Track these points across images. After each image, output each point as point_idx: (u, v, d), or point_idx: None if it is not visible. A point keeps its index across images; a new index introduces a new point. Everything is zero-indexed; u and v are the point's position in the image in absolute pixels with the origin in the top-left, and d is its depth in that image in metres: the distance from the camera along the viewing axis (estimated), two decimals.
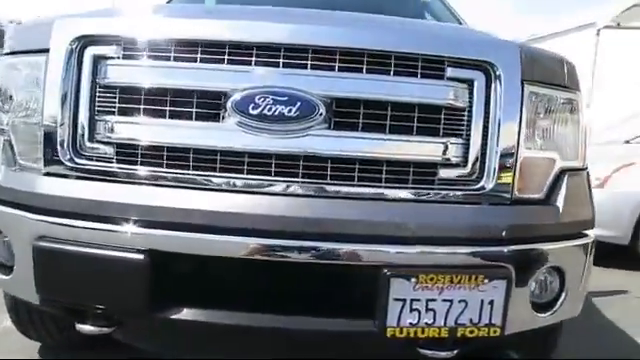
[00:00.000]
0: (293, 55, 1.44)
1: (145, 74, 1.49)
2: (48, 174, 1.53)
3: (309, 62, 1.44)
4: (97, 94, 1.51)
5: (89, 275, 1.43)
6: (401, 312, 1.37)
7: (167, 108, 1.47)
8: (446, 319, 1.39)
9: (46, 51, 1.56)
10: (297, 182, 1.43)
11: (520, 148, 1.51)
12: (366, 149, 1.44)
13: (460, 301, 1.39)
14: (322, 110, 1.41)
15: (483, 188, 1.49)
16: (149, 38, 1.49)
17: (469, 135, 1.49)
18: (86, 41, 1.53)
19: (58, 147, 1.51)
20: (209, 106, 1.46)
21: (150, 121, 1.48)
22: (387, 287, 1.36)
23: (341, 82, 1.44)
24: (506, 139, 1.49)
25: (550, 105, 1.59)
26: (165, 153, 1.47)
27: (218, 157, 1.45)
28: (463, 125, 1.49)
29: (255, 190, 1.42)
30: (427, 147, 1.47)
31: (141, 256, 1.37)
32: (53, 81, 1.53)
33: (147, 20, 1.59)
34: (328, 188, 1.43)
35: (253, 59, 1.44)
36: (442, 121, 1.48)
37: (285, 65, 1.44)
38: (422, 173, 1.47)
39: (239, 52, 1.46)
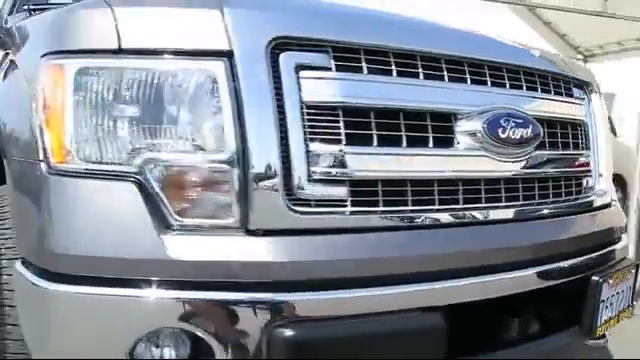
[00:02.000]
0: (514, 76, 1.38)
1: (371, 91, 1.19)
2: (254, 232, 1.07)
3: (524, 83, 1.41)
4: (306, 117, 1.12)
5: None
6: (604, 312, 1.51)
7: (407, 133, 1.21)
8: (617, 309, 1.60)
9: (224, 55, 1.07)
10: (531, 205, 1.39)
11: (604, 156, 1.80)
12: (563, 166, 1.51)
13: (621, 292, 1.61)
14: (543, 131, 1.41)
15: (601, 193, 1.73)
16: (369, 47, 1.19)
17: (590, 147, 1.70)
18: (284, 44, 1.12)
19: (265, 193, 1.07)
20: (444, 130, 1.26)
21: (383, 150, 1.19)
22: (598, 291, 1.48)
23: (545, 104, 1.45)
24: (603, 150, 1.76)
25: None
26: (409, 188, 1.21)
27: (460, 187, 1.28)
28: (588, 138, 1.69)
29: (513, 218, 1.33)
30: (585, 160, 1.62)
31: (437, 314, 1.12)
32: (246, 99, 1.07)
33: (362, 23, 1.24)
34: (545, 210, 1.44)
35: (488, 79, 1.32)
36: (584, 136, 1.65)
37: (511, 86, 1.37)
38: (578, 184, 1.62)
39: (472, 70, 1.31)
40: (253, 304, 1.03)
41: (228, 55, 1.07)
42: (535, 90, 1.47)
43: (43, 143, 1.11)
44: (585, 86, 1.69)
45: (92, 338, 1.05)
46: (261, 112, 1.07)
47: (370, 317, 1.08)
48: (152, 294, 1.03)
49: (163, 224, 1.05)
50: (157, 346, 1.04)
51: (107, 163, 1.07)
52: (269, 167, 1.06)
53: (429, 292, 1.15)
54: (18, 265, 1.16)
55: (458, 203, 1.28)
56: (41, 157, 1.11)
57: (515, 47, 1.51)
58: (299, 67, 1.12)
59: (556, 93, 1.55)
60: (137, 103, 1.07)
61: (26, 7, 2.05)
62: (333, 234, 1.12)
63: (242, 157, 1.06)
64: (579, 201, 1.59)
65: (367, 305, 1.09)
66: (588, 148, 1.67)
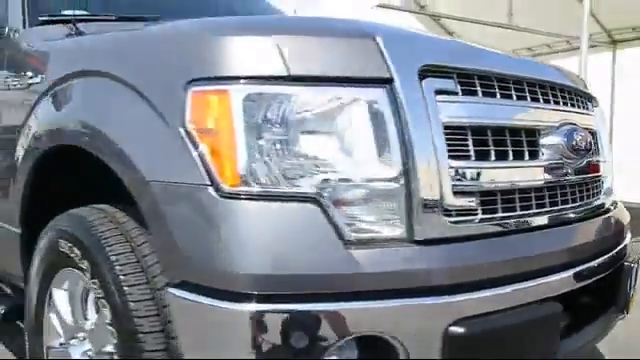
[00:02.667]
0: (567, 95, 1.62)
1: (491, 112, 1.35)
2: (419, 242, 1.18)
3: (574, 101, 1.65)
4: (446, 136, 1.26)
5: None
6: (633, 290, 1.79)
7: (512, 148, 1.38)
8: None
9: (385, 82, 1.17)
10: (583, 206, 1.63)
11: (609, 160, 2.10)
12: (595, 170, 1.77)
13: None
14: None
15: (611, 192, 2.02)
16: (486, 73, 1.35)
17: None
18: (426, 72, 1.24)
19: (426, 206, 1.19)
20: (532, 144, 1.45)
21: (501, 164, 1.35)
22: (632, 274, 1.75)
23: (582, 117, 1.70)
24: (608, 155, 2.06)
25: None
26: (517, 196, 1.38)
27: (546, 193, 1.48)
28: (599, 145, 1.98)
29: (576, 218, 1.55)
30: (601, 164, 1.89)
31: (556, 303, 1.31)
32: (407, 122, 1.18)
33: (474, 54, 1.38)
34: (589, 210, 1.69)
35: (555, 98, 1.55)
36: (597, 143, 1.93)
37: (568, 104, 1.60)
38: (601, 185, 1.90)
39: (543, 91, 1.52)
40: (429, 307, 1.14)
41: (389, 82, 1.18)
42: (576, 106, 1.72)
43: (207, 168, 1.14)
44: (593, 100, 1.98)
45: (281, 354, 1.10)
46: (420, 133, 1.19)
47: (513, 310, 1.24)
48: (339, 306, 1.10)
49: (342, 240, 1.12)
50: (345, 354, 1.11)
51: (283, 186, 1.12)
52: (429, 183, 1.18)
53: (547, 285, 1.33)
54: (175, 290, 1.17)
55: (545, 207, 1.48)
56: (206, 181, 1.14)
57: (559, 69, 1.75)
58: (437, 92, 1.25)
59: (584, 107, 1.82)
60: (308, 128, 1.14)
61: (42, 19, 1.96)
62: (470, 240, 1.27)
63: (406, 175, 1.17)
64: (602, 200, 1.87)
65: (509, 300, 1.25)
66: (599, 154, 1.97)
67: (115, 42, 1.50)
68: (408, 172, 1.17)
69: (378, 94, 1.17)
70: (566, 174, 1.53)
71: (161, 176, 1.21)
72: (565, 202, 1.56)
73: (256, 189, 1.12)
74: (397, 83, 1.18)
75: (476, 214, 1.29)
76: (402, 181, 1.17)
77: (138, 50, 1.38)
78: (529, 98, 1.48)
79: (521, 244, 1.36)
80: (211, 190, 1.13)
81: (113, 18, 2.07)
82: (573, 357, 1.47)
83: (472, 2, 7.02)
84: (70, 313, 1.59)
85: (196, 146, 1.16)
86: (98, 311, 1.38)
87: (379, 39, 1.20)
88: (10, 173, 1.82)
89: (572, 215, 1.58)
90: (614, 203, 1.98)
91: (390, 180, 1.16)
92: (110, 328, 1.30)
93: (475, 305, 1.19)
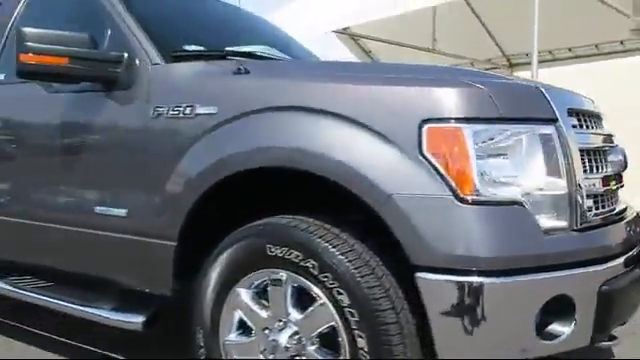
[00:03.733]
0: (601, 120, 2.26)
1: (588, 138, 1.92)
2: (579, 230, 1.72)
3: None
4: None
5: None
6: None
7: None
8: None
9: (554, 121, 1.71)
10: None
11: None
12: None
13: None
14: None
15: None
16: (582, 111, 1.94)
17: None
18: (569, 112, 1.80)
19: (580, 204, 1.73)
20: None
21: (598, 175, 1.94)
22: None
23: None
24: None
25: None
26: None
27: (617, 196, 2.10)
28: None
29: None
30: None
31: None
32: (569, 150, 1.72)
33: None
34: None
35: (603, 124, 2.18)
36: None
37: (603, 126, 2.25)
38: None
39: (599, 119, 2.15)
40: (591, 274, 1.68)
41: (555, 121, 1.71)
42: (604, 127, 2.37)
43: (447, 182, 1.58)
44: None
45: (512, 311, 1.57)
46: (572, 155, 1.73)
47: (623, 274, 1.82)
48: (544, 275, 1.60)
49: (540, 230, 1.62)
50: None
51: (500, 194, 1.61)
52: (578, 189, 1.72)
53: (631, 257, 1.93)
54: (424, 274, 1.59)
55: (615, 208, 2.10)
56: (447, 193, 1.58)
57: (591, 100, 2.41)
58: (572, 126, 1.81)
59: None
60: (515, 153, 1.64)
61: (176, 54, 2.24)
62: (595, 229, 1.82)
63: (569, 184, 1.70)
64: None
65: (620, 268, 1.82)
66: None
67: (328, 80, 1.87)
68: (570, 182, 1.70)
69: (553, 129, 1.69)
70: (619, 182, 2.16)
71: (402, 190, 1.62)
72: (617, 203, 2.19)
73: (483, 197, 1.59)
74: (560, 121, 1.71)
75: (591, 210, 1.86)
76: (567, 189, 1.70)
77: (365, 91, 1.76)
78: (595, 126, 2.10)
79: (614, 231, 1.94)
80: (452, 198, 1.58)
81: (223, 54, 2.40)
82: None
83: (400, 30, 7.82)
84: (262, 308, 1.90)
85: (435, 167, 1.59)
86: (331, 298, 1.72)
87: (542, 89, 1.73)
88: (172, 193, 2.07)
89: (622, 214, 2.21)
90: None
91: (561, 188, 1.69)
92: (349, 309, 1.67)
93: (610, 272, 1.75)
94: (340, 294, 1.69)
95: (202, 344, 2.02)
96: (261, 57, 2.61)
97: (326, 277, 1.71)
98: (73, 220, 2.42)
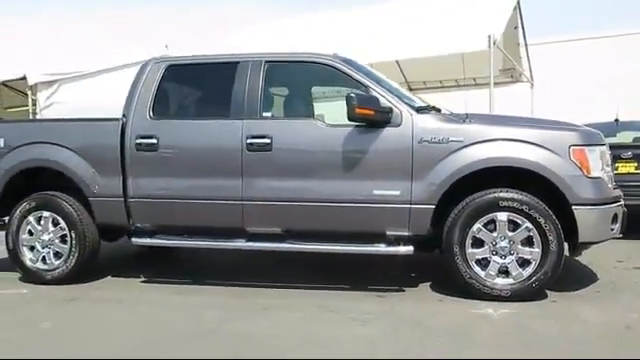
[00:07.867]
0: None
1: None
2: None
3: None
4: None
5: None
6: None
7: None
8: None
9: (602, 145, 4.26)
10: None
11: None
12: None
13: None
14: None
15: None
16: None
17: None
18: None
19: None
20: None
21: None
22: None
23: None
24: None
25: None
26: None
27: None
28: None
29: None
30: None
31: None
32: (607, 157, 4.27)
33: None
34: None
35: None
36: None
37: None
38: None
39: None
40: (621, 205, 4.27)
41: (604, 145, 4.25)
42: None
43: (581, 169, 4.00)
44: None
45: None
46: (608, 161, 4.29)
47: None
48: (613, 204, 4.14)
49: (609, 188, 4.16)
50: None
51: (596, 174, 4.09)
52: (608, 174, 4.27)
53: None
54: (578, 207, 3.98)
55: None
56: (584, 173, 4.00)
57: None
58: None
59: None
60: (597, 158, 4.13)
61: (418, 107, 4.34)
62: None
63: (607, 173, 4.24)
64: None
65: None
66: None
67: (517, 125, 4.21)
68: (605, 171, 4.25)
69: (604, 148, 4.23)
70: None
71: (566, 173, 3.98)
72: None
73: (592, 176, 4.04)
74: (605, 145, 4.27)
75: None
76: (608, 174, 4.24)
77: (544, 131, 4.12)
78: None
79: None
80: (583, 176, 4.00)
81: (434, 108, 4.54)
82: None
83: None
84: (490, 231, 4.09)
85: (576, 164, 4.00)
86: (534, 222, 4.01)
87: (599, 132, 4.27)
88: (433, 182, 4.14)
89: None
90: None
91: (607, 173, 4.24)
92: (545, 224, 3.98)
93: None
94: (539, 219, 3.98)
95: (458, 255, 4.12)
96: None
97: (534, 213, 3.99)
98: (354, 199, 4.27)
